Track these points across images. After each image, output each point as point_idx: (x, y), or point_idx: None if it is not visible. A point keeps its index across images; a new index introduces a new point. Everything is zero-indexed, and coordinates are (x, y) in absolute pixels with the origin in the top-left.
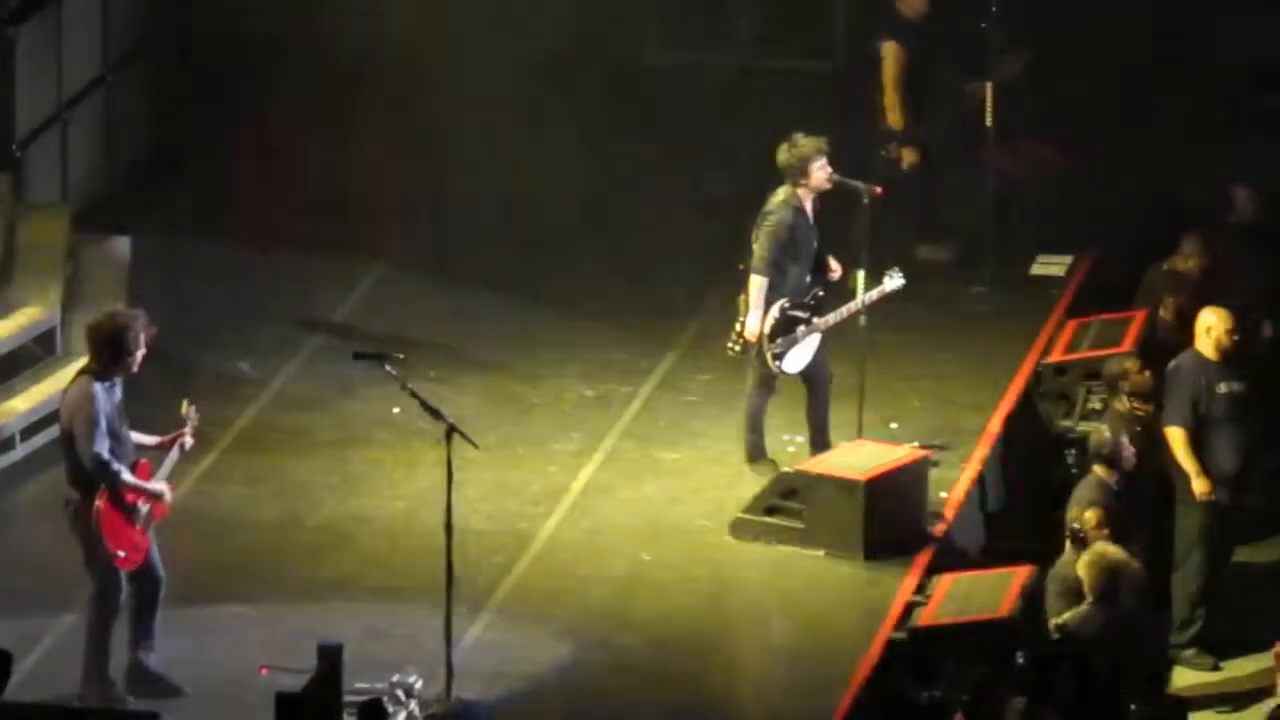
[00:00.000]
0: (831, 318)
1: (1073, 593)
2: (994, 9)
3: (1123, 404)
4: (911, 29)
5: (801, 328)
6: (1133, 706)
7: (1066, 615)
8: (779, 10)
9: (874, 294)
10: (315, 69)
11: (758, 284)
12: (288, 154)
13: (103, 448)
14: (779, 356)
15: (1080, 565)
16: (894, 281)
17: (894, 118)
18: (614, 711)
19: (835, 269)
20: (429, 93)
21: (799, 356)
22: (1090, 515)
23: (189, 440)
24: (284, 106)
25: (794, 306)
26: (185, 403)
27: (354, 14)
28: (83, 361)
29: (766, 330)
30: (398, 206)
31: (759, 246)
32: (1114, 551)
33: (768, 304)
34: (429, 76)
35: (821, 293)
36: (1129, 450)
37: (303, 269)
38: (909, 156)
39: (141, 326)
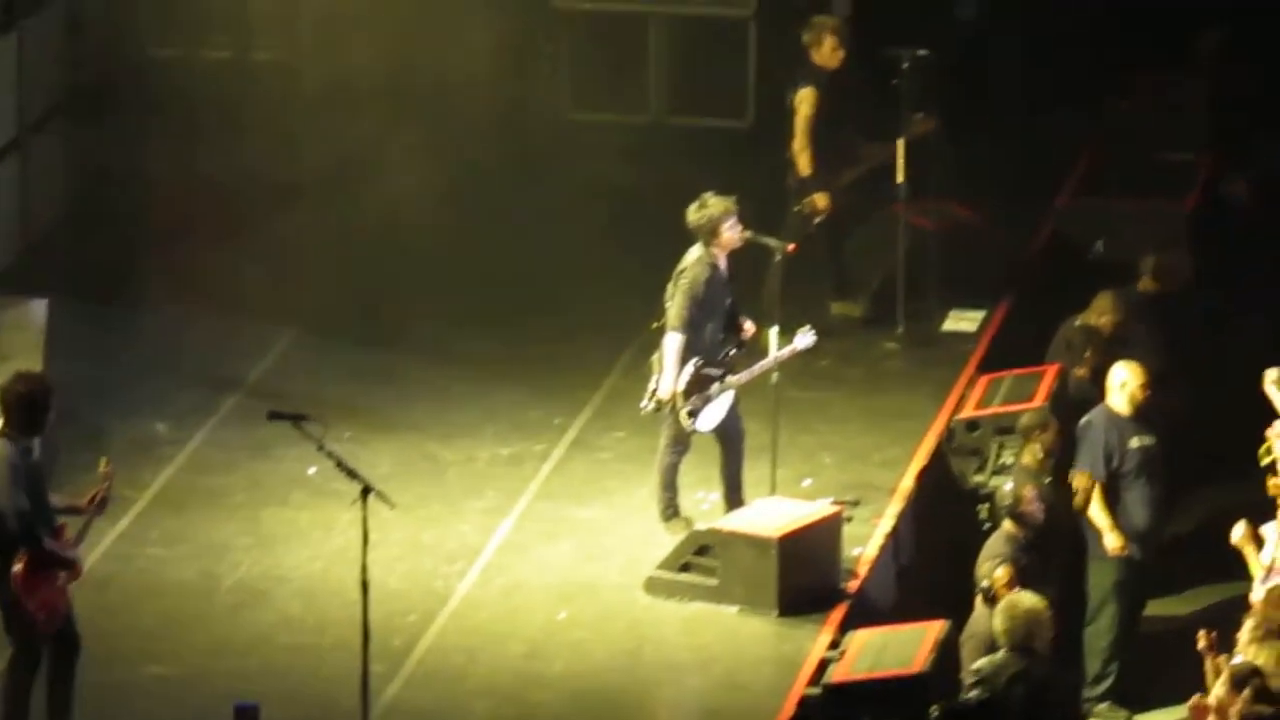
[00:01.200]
0: (744, 375)
1: (987, 649)
2: (905, 66)
3: (1032, 458)
4: (827, 78)
5: (715, 385)
6: None
7: (980, 662)
8: (691, 69)
9: (786, 351)
10: (227, 131)
11: (675, 343)
12: (200, 216)
13: (23, 510)
14: (693, 414)
15: (995, 614)
16: (805, 339)
17: (804, 163)
18: None
19: (748, 328)
20: (339, 151)
21: (713, 414)
22: (1001, 573)
23: (106, 501)
24: (198, 170)
25: (707, 364)
26: (104, 461)
27: (264, 78)
28: None
29: (681, 389)
30: (310, 268)
31: (675, 305)
32: (1029, 599)
33: (682, 362)
34: (341, 133)
35: (735, 350)
36: (1036, 506)
37: (218, 331)
38: (820, 202)
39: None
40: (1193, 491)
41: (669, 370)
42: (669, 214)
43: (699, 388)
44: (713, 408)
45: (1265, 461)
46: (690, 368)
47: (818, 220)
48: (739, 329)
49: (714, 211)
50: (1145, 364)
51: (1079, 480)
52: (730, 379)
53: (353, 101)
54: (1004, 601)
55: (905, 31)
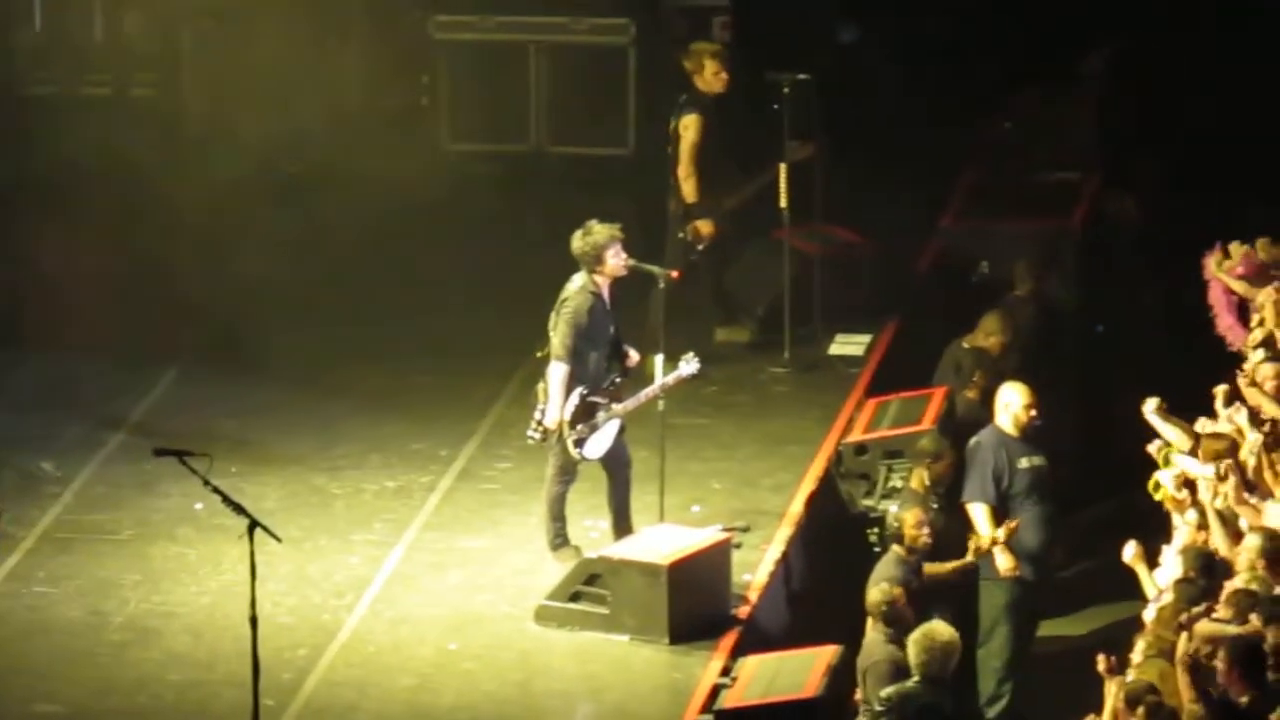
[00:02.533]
0: (630, 403)
1: (885, 673)
2: (786, 90)
3: (919, 482)
4: (711, 103)
5: (601, 414)
6: None
7: (889, 690)
8: (571, 97)
9: (671, 378)
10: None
11: (560, 372)
12: (80, 262)
13: None
14: (580, 443)
15: (910, 643)
16: (690, 366)
17: (689, 189)
18: None
19: (633, 356)
20: (217, 186)
21: (599, 443)
22: (895, 593)
23: None
24: (73, 220)
25: (593, 393)
26: None
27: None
28: None
29: (567, 418)
30: (189, 308)
31: (559, 335)
32: (944, 632)
33: (567, 391)
34: (219, 168)
35: (620, 378)
36: (923, 531)
37: (101, 371)
38: (704, 229)
39: None
40: (1087, 510)
41: (555, 400)
42: (551, 242)
43: (585, 416)
44: (599, 436)
45: (1157, 496)
46: (575, 396)
47: (702, 247)
48: (624, 357)
49: (598, 239)
50: (1033, 380)
51: (969, 502)
52: (615, 407)
53: (231, 136)
54: (918, 633)
55: (786, 56)
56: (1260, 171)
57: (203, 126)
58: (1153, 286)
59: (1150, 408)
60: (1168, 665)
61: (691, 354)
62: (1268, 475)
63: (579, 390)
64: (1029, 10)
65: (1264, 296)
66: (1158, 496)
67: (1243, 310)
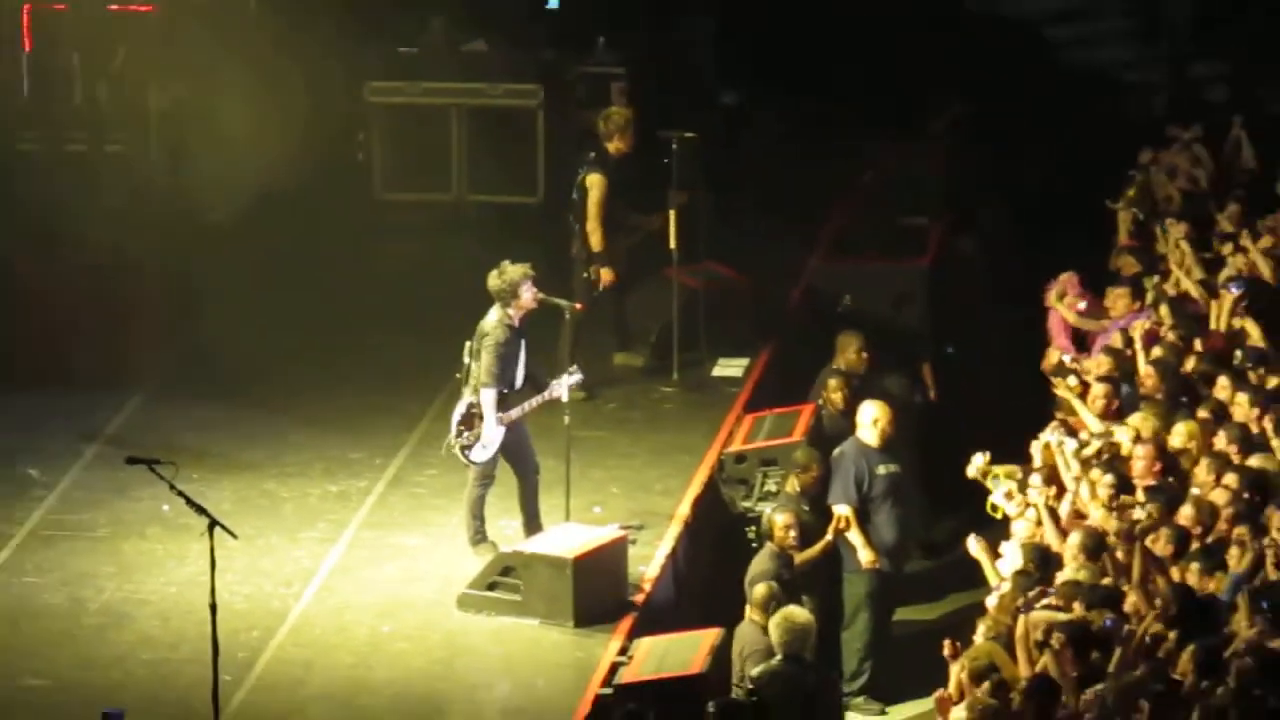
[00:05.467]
0: (515, 412)
1: (758, 652)
2: (675, 146)
3: (793, 488)
4: (614, 163)
5: (486, 424)
6: None
7: (757, 669)
8: (487, 153)
9: (558, 389)
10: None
11: (489, 396)
12: (58, 300)
13: None
14: (466, 449)
15: (772, 626)
16: (573, 377)
17: (596, 240)
18: None
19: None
20: (177, 231)
21: (485, 450)
22: (775, 589)
23: None
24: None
25: (477, 405)
26: None
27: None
28: None
29: (453, 429)
30: (154, 340)
31: (484, 364)
32: (801, 615)
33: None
34: (179, 215)
35: (534, 401)
36: (791, 533)
37: (79, 393)
38: (606, 276)
39: None
40: (944, 510)
41: (489, 418)
42: (470, 280)
43: (468, 426)
44: (483, 443)
45: (997, 515)
46: (463, 408)
47: (603, 288)
48: (538, 381)
49: (513, 277)
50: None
51: (834, 504)
52: (500, 415)
53: (191, 186)
54: (779, 616)
55: (675, 116)
56: (1080, 214)
57: (165, 178)
58: (994, 314)
59: (974, 466)
60: (1000, 647)
61: (574, 366)
62: (1075, 484)
63: (467, 402)
64: (885, 79)
65: (1137, 330)
66: (997, 515)
67: (1076, 335)
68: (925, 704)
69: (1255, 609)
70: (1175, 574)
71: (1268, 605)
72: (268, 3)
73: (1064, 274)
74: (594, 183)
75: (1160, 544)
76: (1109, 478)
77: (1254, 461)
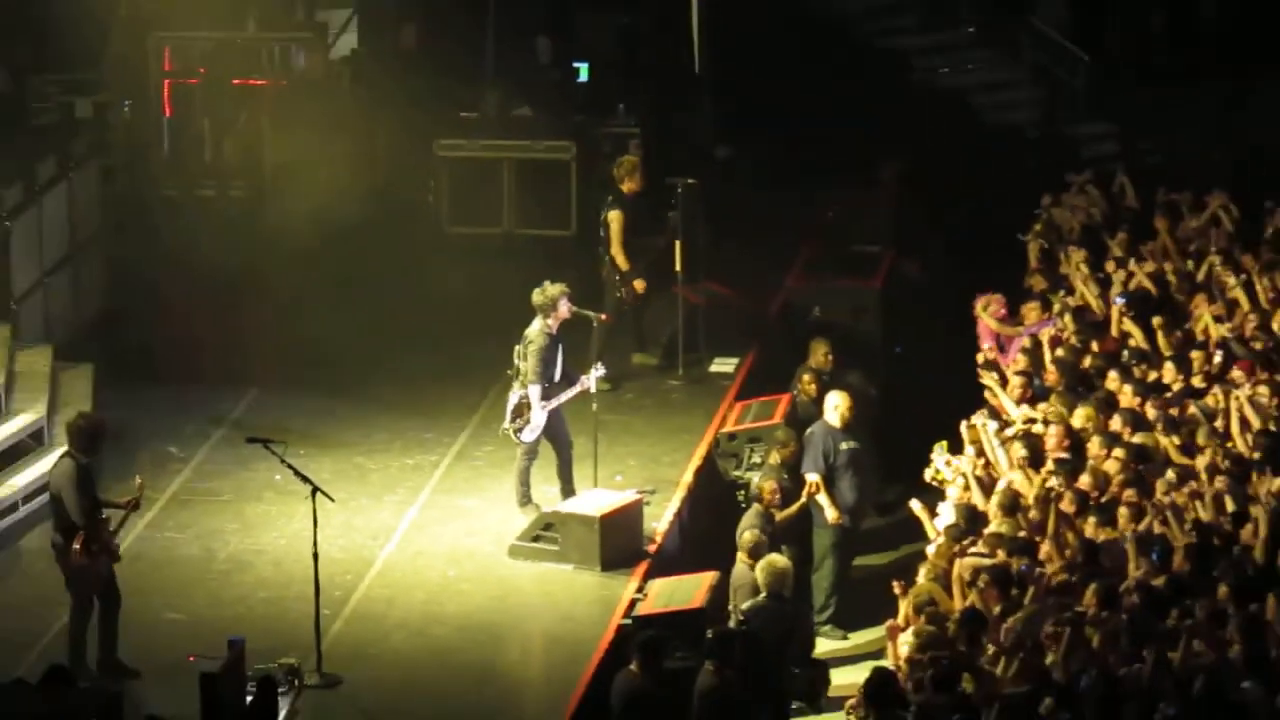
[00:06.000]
0: (554, 401)
1: (746, 588)
2: (679, 190)
3: (775, 460)
4: (629, 200)
5: (533, 410)
6: (795, 670)
7: (747, 604)
8: (531, 195)
9: (587, 382)
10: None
11: (535, 391)
12: (192, 314)
13: (83, 508)
14: (517, 432)
15: (757, 570)
16: (598, 372)
17: (622, 261)
18: (435, 677)
19: (583, 379)
20: (283, 261)
21: (532, 430)
22: (760, 538)
23: (140, 502)
24: (194, 276)
25: (526, 397)
26: (137, 478)
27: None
28: (62, 449)
29: (509, 414)
30: (268, 344)
31: (529, 364)
32: (781, 561)
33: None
34: (289, 246)
35: (570, 390)
36: (776, 495)
37: (208, 388)
38: (639, 286)
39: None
40: (893, 478)
41: (535, 407)
42: (517, 297)
43: (520, 414)
44: (530, 426)
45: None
46: (514, 399)
47: (637, 297)
48: (572, 376)
49: (552, 293)
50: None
51: (806, 472)
52: (544, 404)
53: (296, 222)
54: (763, 563)
55: (680, 166)
56: (999, 245)
57: (277, 217)
58: (932, 323)
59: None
60: (938, 586)
61: (599, 364)
62: (996, 456)
63: (518, 394)
64: (845, 139)
65: (1045, 335)
66: (936, 481)
67: (998, 339)
68: (878, 631)
69: (1142, 554)
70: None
71: (1152, 551)
72: (359, 79)
73: (992, 293)
74: (614, 218)
75: (1066, 504)
76: (1024, 451)
77: (1138, 439)
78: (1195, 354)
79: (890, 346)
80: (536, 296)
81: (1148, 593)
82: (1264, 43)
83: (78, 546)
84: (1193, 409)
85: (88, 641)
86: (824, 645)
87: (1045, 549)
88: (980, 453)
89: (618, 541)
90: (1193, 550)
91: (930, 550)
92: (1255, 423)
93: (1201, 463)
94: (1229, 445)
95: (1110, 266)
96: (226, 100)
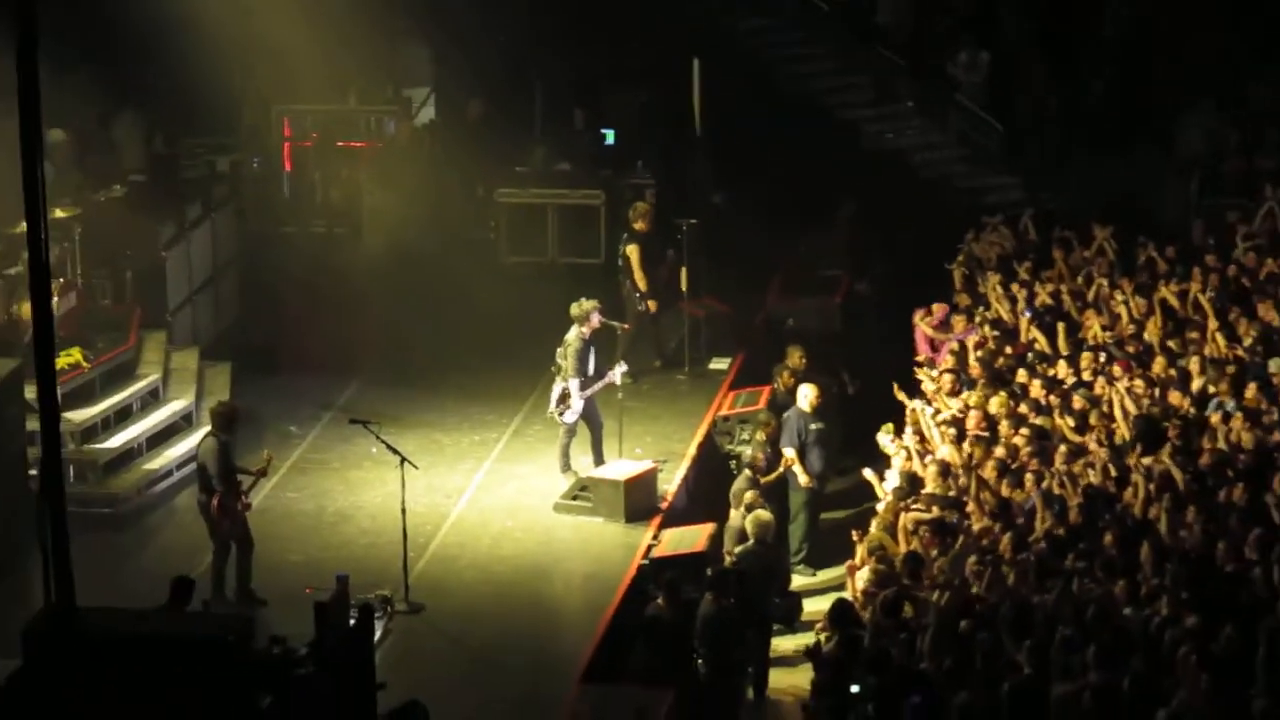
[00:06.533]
0: (588, 391)
1: (739, 538)
2: (684, 228)
3: (761, 437)
4: (643, 237)
5: (572, 398)
6: (776, 600)
7: (738, 549)
8: (571, 231)
9: (614, 376)
10: (323, 272)
11: (574, 385)
12: (305, 321)
13: (221, 474)
14: (560, 415)
15: (747, 522)
16: (622, 368)
17: (641, 283)
18: (496, 605)
19: (609, 374)
20: (384, 282)
21: (572, 414)
22: (750, 496)
23: (267, 470)
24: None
25: (567, 388)
26: (266, 452)
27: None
28: (206, 429)
29: (553, 403)
30: (365, 345)
31: (569, 363)
32: (766, 514)
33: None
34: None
35: (599, 382)
36: (764, 464)
37: (320, 379)
38: (653, 306)
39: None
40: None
41: (574, 396)
42: (559, 310)
43: (561, 401)
44: (570, 410)
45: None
46: (558, 390)
47: (651, 313)
48: (601, 372)
49: (586, 307)
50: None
51: (784, 447)
52: (581, 393)
53: (387, 254)
54: (751, 516)
55: (684, 208)
56: (932, 271)
57: (374, 250)
58: (881, 330)
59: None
60: (886, 534)
61: (622, 362)
62: (931, 434)
63: (561, 386)
64: (812, 189)
65: (970, 340)
66: (884, 448)
67: (931, 343)
68: (840, 569)
69: (1048, 508)
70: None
71: (1055, 507)
72: (439, 142)
73: (936, 305)
74: (631, 252)
75: (986, 471)
76: (952, 430)
77: (1040, 421)
78: (1085, 355)
79: (850, 349)
80: (574, 309)
81: (1051, 539)
82: (1136, 114)
83: (216, 504)
84: (1083, 398)
85: (226, 577)
86: (798, 580)
87: (970, 506)
88: (918, 431)
89: (638, 500)
90: (1083, 507)
91: (880, 507)
92: (1131, 409)
93: (1091, 439)
94: (1112, 426)
95: (1017, 288)
96: (333, 158)
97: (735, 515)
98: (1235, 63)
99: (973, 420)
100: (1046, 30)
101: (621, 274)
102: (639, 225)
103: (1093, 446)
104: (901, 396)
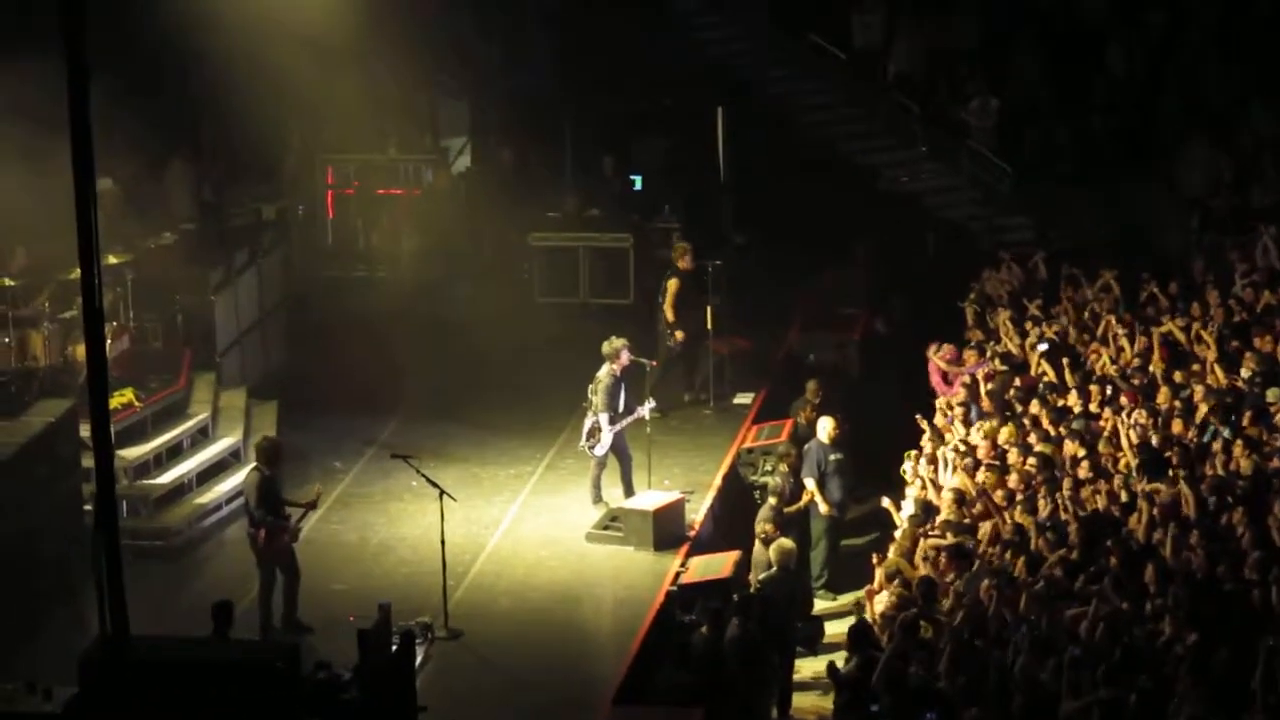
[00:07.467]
0: (618, 426)
1: (762, 564)
2: (709, 268)
3: (784, 468)
4: (682, 274)
5: (603, 432)
6: (799, 624)
7: (762, 575)
8: (602, 272)
9: (634, 416)
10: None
11: (604, 419)
12: (344, 357)
13: (267, 509)
14: (591, 449)
15: (772, 550)
16: (650, 404)
17: (670, 315)
18: (531, 630)
19: (638, 409)
20: (422, 320)
21: (602, 447)
22: (769, 529)
23: (317, 503)
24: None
25: (598, 423)
26: (316, 485)
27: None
28: (253, 464)
29: (584, 437)
30: (405, 384)
31: (600, 398)
32: (787, 542)
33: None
34: (420, 312)
35: (629, 417)
36: (788, 493)
37: (361, 416)
38: (680, 337)
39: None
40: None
41: (604, 430)
42: (591, 348)
43: (592, 435)
44: (600, 444)
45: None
46: (589, 424)
47: (679, 345)
48: (631, 407)
49: (617, 345)
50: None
51: (806, 477)
52: (610, 427)
53: (427, 296)
54: (774, 545)
55: (708, 250)
56: (946, 308)
57: (412, 291)
58: (897, 365)
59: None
60: (904, 559)
61: (650, 398)
62: (944, 458)
63: (592, 420)
64: (831, 230)
65: (981, 373)
66: (904, 474)
67: (944, 377)
68: (859, 593)
69: (1040, 534)
70: (1008, 516)
71: (1063, 532)
72: (475, 189)
73: (944, 343)
74: (671, 286)
75: (998, 497)
76: (966, 459)
77: (1047, 450)
78: (1093, 387)
79: (868, 383)
80: (605, 347)
81: (1063, 563)
82: (1138, 155)
83: (262, 535)
84: (1090, 428)
85: (273, 605)
86: (820, 604)
87: (983, 531)
88: (933, 461)
89: (666, 529)
90: (1083, 532)
91: (897, 533)
92: (1135, 438)
93: (1098, 466)
94: (1118, 454)
95: (1028, 324)
96: (374, 205)
97: (758, 547)
98: (1231, 99)
99: (982, 449)
100: (1056, 70)
101: (659, 309)
102: (682, 264)
103: (1099, 474)
104: (924, 425)
